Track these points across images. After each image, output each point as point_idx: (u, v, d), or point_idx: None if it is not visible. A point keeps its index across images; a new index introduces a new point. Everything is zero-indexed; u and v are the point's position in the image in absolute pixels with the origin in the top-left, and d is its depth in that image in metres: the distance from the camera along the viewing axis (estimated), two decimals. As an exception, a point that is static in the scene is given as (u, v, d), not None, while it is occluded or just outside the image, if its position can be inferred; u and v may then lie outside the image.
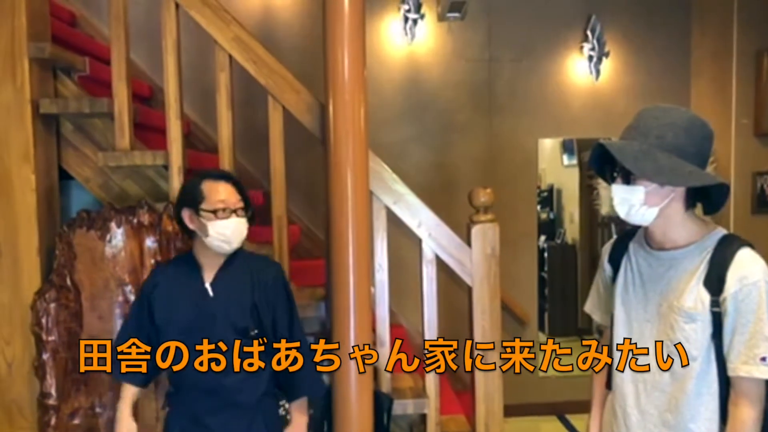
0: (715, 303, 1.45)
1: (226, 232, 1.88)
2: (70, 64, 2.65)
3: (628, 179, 1.48)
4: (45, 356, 2.38)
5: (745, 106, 3.84)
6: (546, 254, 5.85)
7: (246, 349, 1.93)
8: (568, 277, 5.86)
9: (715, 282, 1.45)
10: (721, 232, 1.52)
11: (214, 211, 1.87)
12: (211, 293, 1.94)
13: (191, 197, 1.92)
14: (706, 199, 1.53)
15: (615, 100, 4.21)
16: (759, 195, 3.87)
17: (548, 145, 5.54)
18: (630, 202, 1.48)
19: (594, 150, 1.54)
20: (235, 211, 1.89)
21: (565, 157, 5.84)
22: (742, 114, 3.84)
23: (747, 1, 3.79)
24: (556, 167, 5.95)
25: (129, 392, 2.02)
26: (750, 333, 1.42)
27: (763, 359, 1.40)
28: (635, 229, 1.67)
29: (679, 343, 1.48)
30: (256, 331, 1.95)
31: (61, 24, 3.14)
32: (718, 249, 1.48)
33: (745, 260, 1.44)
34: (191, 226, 1.93)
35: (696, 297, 1.47)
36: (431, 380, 2.57)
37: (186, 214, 1.93)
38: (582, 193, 5.68)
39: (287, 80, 2.53)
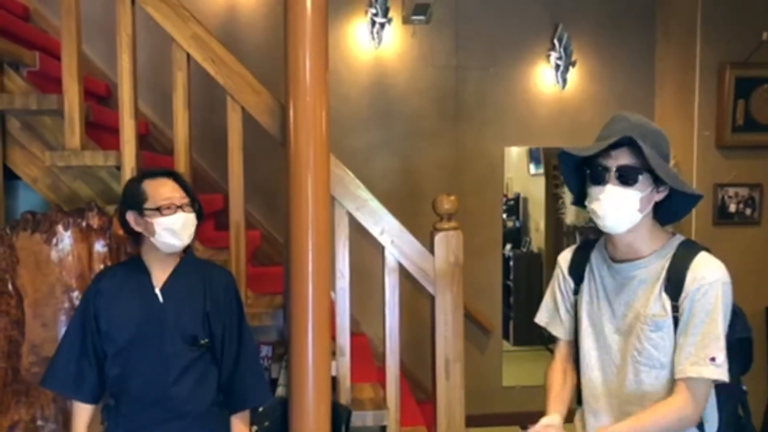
0: (676, 308, 1.44)
1: (174, 228, 1.80)
2: (19, 58, 2.54)
3: (626, 182, 1.42)
4: (-17, 366, 2.26)
5: (707, 118, 3.88)
6: (512, 262, 5.87)
7: (194, 357, 1.85)
8: (533, 285, 5.87)
9: (674, 287, 1.44)
10: (680, 238, 1.52)
11: (158, 208, 1.80)
12: (161, 299, 1.86)
13: (133, 199, 1.84)
14: (665, 209, 1.50)
15: (581, 109, 4.23)
16: (720, 207, 3.91)
17: (515, 154, 5.57)
18: (623, 205, 1.43)
19: (611, 144, 1.42)
20: (180, 207, 1.82)
21: (531, 166, 5.87)
22: (705, 126, 3.88)
23: (710, 15, 3.84)
24: (523, 176, 5.98)
25: (82, 415, 1.90)
26: (702, 334, 1.40)
27: (713, 359, 1.38)
28: (596, 239, 1.63)
29: (647, 351, 1.46)
30: (206, 340, 1.88)
31: (11, 17, 3.01)
32: (677, 255, 1.47)
33: (703, 262, 1.45)
34: (137, 228, 1.85)
35: (660, 304, 1.45)
36: (392, 391, 2.51)
37: (131, 217, 1.85)
38: (548, 202, 5.71)
39: (247, 80, 2.46)
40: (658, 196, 1.46)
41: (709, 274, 1.42)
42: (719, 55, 3.84)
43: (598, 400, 1.57)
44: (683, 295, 1.42)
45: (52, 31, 3.51)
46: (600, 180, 1.45)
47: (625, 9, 4.25)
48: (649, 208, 1.46)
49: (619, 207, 1.43)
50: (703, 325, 1.40)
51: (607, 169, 1.44)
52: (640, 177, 1.41)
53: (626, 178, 1.42)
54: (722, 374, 1.39)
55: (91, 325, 1.86)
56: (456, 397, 2.53)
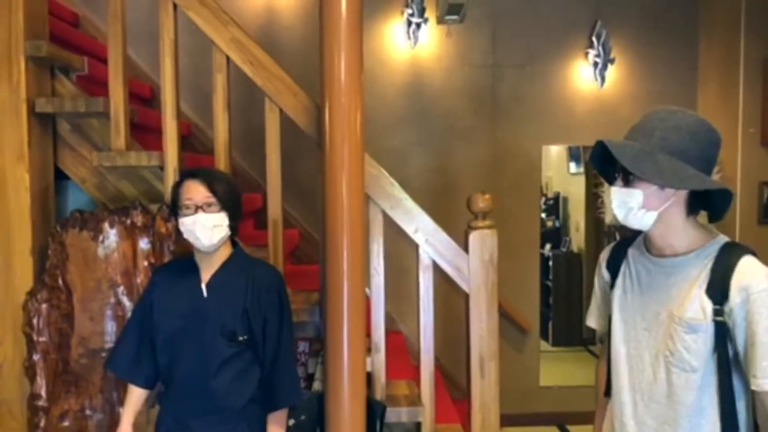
0: (719, 312, 1.40)
1: (190, 228, 1.87)
2: (68, 63, 2.64)
3: (627, 181, 1.45)
4: (36, 357, 2.36)
5: (752, 114, 3.79)
6: (551, 262, 5.81)
7: (233, 353, 1.90)
8: (573, 285, 5.81)
9: (718, 291, 1.40)
10: (723, 239, 1.48)
11: (179, 209, 1.89)
12: (205, 294, 1.93)
13: (172, 199, 1.94)
14: (709, 205, 1.49)
15: (620, 107, 4.17)
16: (766, 205, 3.81)
17: (554, 153, 5.52)
18: (628, 204, 1.45)
19: (594, 148, 1.51)
20: (201, 207, 1.87)
21: (571, 165, 5.80)
22: (749, 123, 3.79)
23: (754, 9, 3.75)
24: (563, 175, 5.92)
25: (133, 397, 2.00)
26: (765, 345, 1.36)
27: None
28: (635, 235, 1.63)
29: (679, 353, 1.43)
30: (245, 337, 1.92)
31: (62, 24, 3.13)
32: (720, 257, 1.43)
33: (749, 268, 1.40)
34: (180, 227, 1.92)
35: (698, 306, 1.42)
36: (427, 388, 2.53)
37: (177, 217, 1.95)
38: (588, 202, 5.63)
39: (285, 82, 2.51)
40: (678, 193, 1.44)
41: (756, 282, 1.37)
42: (764, 49, 3.75)
43: (622, 393, 1.56)
44: (729, 303, 1.39)
45: (100, 36, 3.64)
46: (610, 180, 1.51)
47: (665, 5, 4.18)
48: (666, 205, 1.44)
49: (622, 205, 1.46)
50: (764, 335, 1.36)
51: (615, 169, 1.48)
52: (632, 176, 1.43)
53: (625, 177, 1.45)
54: None
55: (147, 314, 1.97)
56: (491, 395, 2.52)
